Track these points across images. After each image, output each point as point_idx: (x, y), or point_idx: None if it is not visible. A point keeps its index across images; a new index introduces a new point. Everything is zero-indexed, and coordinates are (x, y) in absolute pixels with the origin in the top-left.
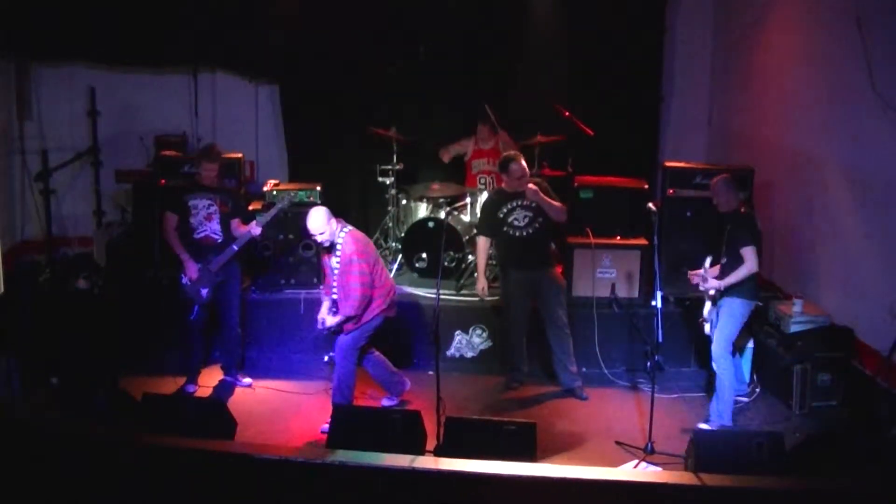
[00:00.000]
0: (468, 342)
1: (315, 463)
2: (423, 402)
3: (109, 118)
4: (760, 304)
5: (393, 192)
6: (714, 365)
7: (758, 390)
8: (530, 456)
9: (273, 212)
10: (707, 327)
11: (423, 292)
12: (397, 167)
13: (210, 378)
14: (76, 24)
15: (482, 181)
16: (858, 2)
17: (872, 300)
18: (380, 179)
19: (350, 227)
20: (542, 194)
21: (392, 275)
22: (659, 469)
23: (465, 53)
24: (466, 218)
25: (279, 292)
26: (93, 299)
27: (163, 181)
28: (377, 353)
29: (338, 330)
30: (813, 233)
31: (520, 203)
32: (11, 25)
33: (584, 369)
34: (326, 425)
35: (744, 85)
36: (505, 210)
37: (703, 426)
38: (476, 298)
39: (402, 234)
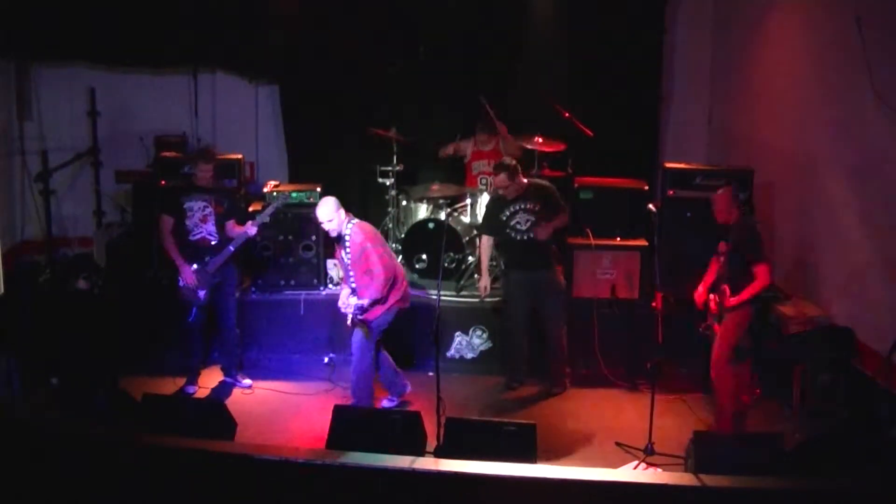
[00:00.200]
0: (468, 343)
1: (315, 464)
2: (423, 403)
3: (109, 118)
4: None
5: (393, 192)
6: (714, 371)
7: (758, 391)
8: (530, 457)
9: (268, 212)
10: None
11: (424, 293)
12: (397, 168)
13: (210, 379)
14: (76, 25)
15: (482, 181)
16: (858, 1)
17: (872, 301)
18: (380, 180)
19: (357, 220)
20: (550, 229)
21: None
22: (659, 470)
23: (465, 53)
24: (466, 219)
25: (279, 293)
26: (93, 299)
27: (163, 182)
28: (384, 352)
29: (355, 323)
30: (813, 233)
31: (522, 207)
32: (11, 26)
33: (583, 369)
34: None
35: (744, 85)
36: (508, 213)
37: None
38: (476, 299)
39: (403, 235)
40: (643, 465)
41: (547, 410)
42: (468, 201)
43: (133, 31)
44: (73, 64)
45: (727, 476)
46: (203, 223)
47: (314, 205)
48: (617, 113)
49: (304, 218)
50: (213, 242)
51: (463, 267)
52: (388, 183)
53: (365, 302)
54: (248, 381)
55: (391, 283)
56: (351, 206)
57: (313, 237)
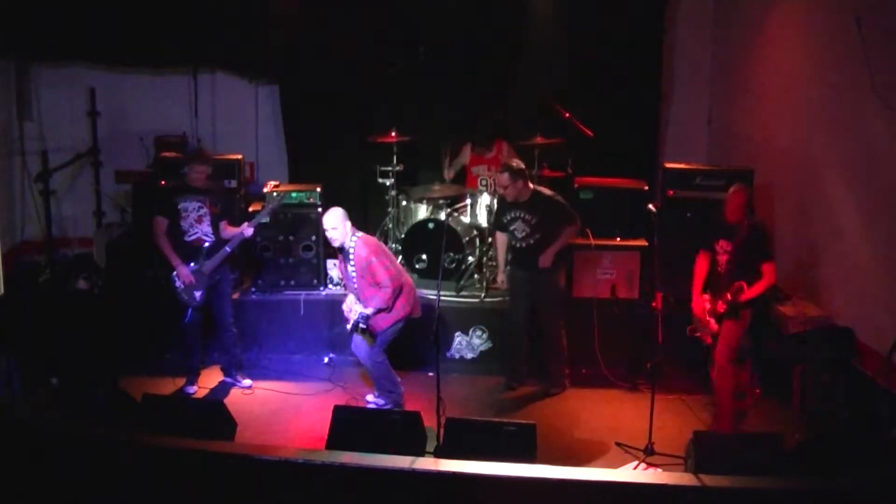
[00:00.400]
0: (468, 343)
1: (315, 464)
2: (423, 403)
3: (109, 119)
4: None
5: (393, 193)
6: (716, 373)
7: (758, 391)
8: (530, 457)
9: (265, 213)
10: (704, 340)
11: (424, 293)
12: (397, 168)
13: (210, 379)
14: (76, 25)
15: (483, 182)
16: (858, 1)
17: (872, 301)
18: (380, 180)
19: (361, 234)
20: (551, 255)
21: None
22: (659, 470)
23: (465, 53)
24: (466, 219)
25: (279, 293)
26: (93, 300)
27: (162, 182)
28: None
29: (361, 329)
30: (813, 233)
31: (520, 215)
32: (11, 26)
33: (583, 370)
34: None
35: (744, 85)
36: (508, 218)
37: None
38: (476, 300)
39: (402, 236)
40: (643, 465)
41: (547, 410)
42: (468, 202)
43: (133, 32)
44: (73, 64)
45: (727, 476)
46: (198, 224)
47: (314, 205)
48: (617, 113)
49: (304, 218)
50: (207, 243)
51: (463, 267)
52: (388, 183)
53: (370, 311)
54: (247, 382)
55: (397, 293)
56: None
57: (313, 237)
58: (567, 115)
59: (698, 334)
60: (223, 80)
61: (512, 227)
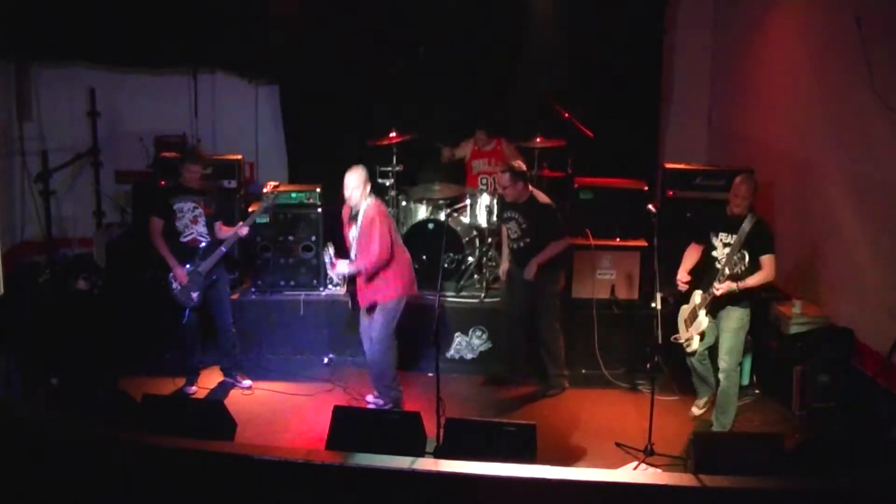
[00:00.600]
0: (468, 343)
1: (315, 464)
2: (423, 404)
3: (109, 119)
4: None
5: (393, 193)
6: (723, 377)
7: (757, 391)
8: (530, 457)
9: (258, 211)
10: (695, 342)
11: (423, 294)
12: (397, 168)
13: (210, 379)
14: (76, 25)
15: (483, 182)
16: (858, 2)
17: (872, 301)
18: (379, 181)
19: (376, 198)
20: (535, 267)
21: None
22: (659, 471)
23: (465, 53)
24: (466, 219)
25: (279, 294)
26: (92, 300)
27: (162, 182)
28: None
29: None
30: (812, 233)
31: (514, 217)
32: (12, 26)
33: (583, 370)
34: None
35: (744, 85)
36: (505, 216)
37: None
38: (476, 300)
39: (402, 236)
40: (643, 465)
41: (547, 411)
42: (468, 202)
43: (133, 32)
44: (73, 64)
45: (727, 477)
46: (193, 224)
47: (314, 205)
48: (617, 113)
49: (304, 218)
50: (203, 244)
51: (463, 267)
52: (387, 183)
53: (351, 269)
54: (247, 382)
55: (384, 263)
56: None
57: (313, 237)
58: (567, 115)
59: (682, 341)
60: (223, 81)
61: (507, 227)
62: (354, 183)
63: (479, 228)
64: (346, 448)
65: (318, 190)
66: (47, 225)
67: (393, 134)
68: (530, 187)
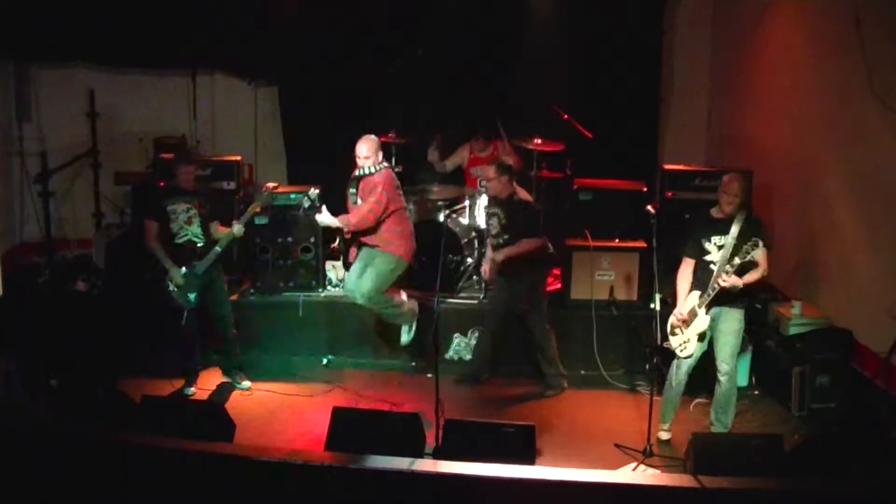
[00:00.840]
0: (466, 345)
1: (314, 465)
2: (422, 405)
3: (109, 120)
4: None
5: None
6: (725, 379)
7: (756, 392)
8: (529, 458)
9: (252, 210)
10: (692, 344)
11: (423, 294)
12: (396, 170)
13: (209, 380)
14: (76, 26)
15: (483, 183)
16: (857, 3)
17: (871, 302)
18: None
19: (388, 166)
20: (502, 255)
21: None
22: (658, 471)
23: (465, 53)
24: (465, 220)
25: (278, 295)
26: (92, 301)
27: (161, 183)
28: None
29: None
30: (812, 234)
31: (496, 212)
32: (11, 27)
33: (582, 371)
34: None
35: (743, 86)
36: (488, 212)
37: None
38: (475, 301)
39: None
40: (642, 466)
41: (545, 412)
42: (466, 203)
43: (132, 33)
44: (72, 65)
45: (726, 478)
46: (188, 225)
47: (313, 206)
48: (616, 113)
49: (302, 220)
50: (199, 244)
51: (462, 269)
52: None
53: (333, 221)
54: (246, 383)
55: (367, 227)
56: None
57: (312, 239)
58: (566, 116)
59: (675, 347)
60: (222, 82)
61: (489, 223)
62: (365, 153)
63: (477, 230)
64: (346, 449)
65: (317, 191)
66: (46, 226)
67: (392, 134)
68: (514, 185)
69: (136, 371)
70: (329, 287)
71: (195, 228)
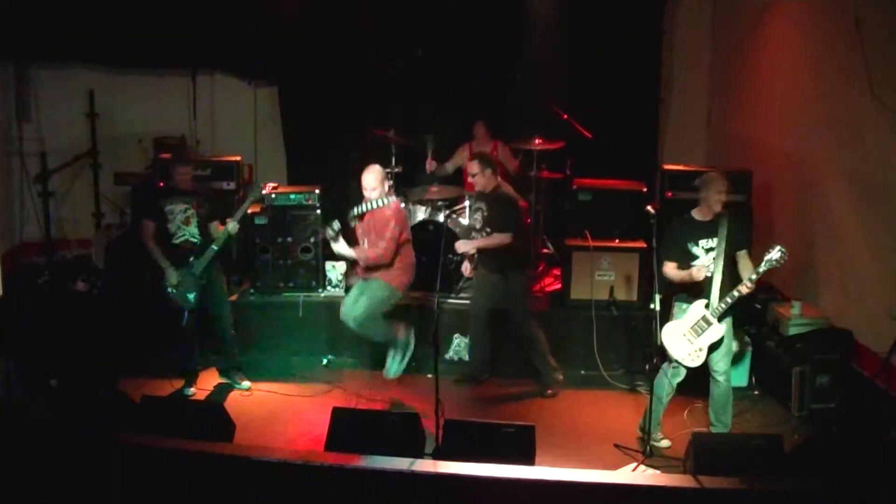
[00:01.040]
0: (466, 345)
1: (314, 465)
2: (421, 405)
3: (108, 120)
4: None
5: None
6: (723, 378)
7: (756, 392)
8: (529, 458)
9: (245, 206)
10: (703, 354)
11: (423, 295)
12: (396, 170)
13: (209, 381)
14: (76, 26)
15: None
16: (857, 3)
17: (871, 302)
18: None
19: (396, 198)
20: (473, 247)
21: None
22: (658, 472)
23: (465, 53)
24: (465, 221)
25: (278, 295)
26: (91, 301)
27: (161, 183)
28: None
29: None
30: (811, 234)
31: (480, 206)
32: (11, 27)
33: (582, 371)
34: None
35: (743, 87)
36: (474, 207)
37: None
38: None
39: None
40: (642, 466)
41: (545, 412)
42: (466, 203)
43: (132, 33)
44: (72, 65)
45: (726, 478)
46: (185, 225)
47: (313, 206)
48: (616, 114)
49: (302, 220)
50: (196, 244)
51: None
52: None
53: (351, 253)
54: (246, 383)
55: (383, 263)
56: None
57: (312, 239)
58: (566, 116)
59: (680, 357)
60: (222, 82)
61: (474, 217)
62: (372, 183)
63: (477, 230)
64: (345, 449)
65: (317, 191)
66: (46, 226)
67: (391, 134)
68: (499, 178)
69: (136, 371)
70: (329, 287)
71: (192, 228)
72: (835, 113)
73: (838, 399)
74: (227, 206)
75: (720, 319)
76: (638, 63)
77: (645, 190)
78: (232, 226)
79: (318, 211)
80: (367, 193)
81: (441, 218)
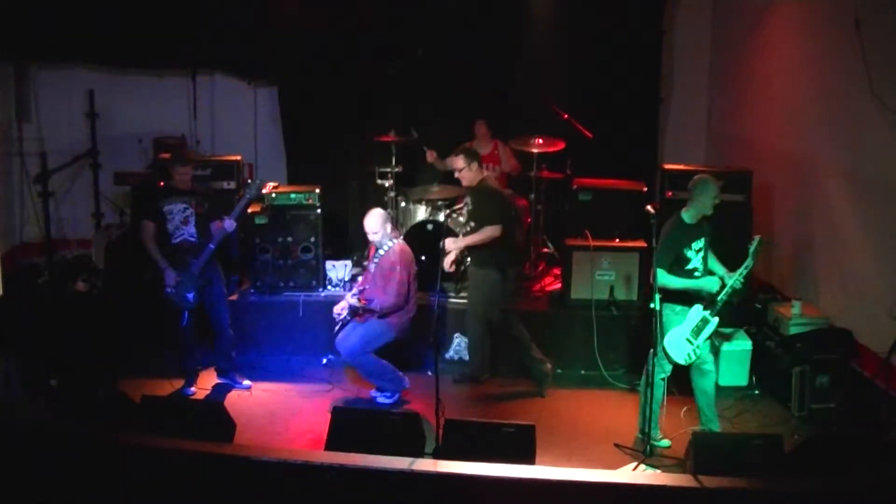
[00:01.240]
0: (467, 344)
1: (314, 465)
2: (422, 404)
3: (108, 120)
4: None
5: (392, 194)
6: (711, 371)
7: (756, 392)
8: (529, 458)
9: (241, 203)
10: (695, 353)
11: (423, 295)
12: (396, 169)
13: (209, 380)
14: (76, 26)
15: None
16: (857, 3)
17: (871, 302)
18: (379, 181)
19: (401, 240)
20: (458, 247)
21: None
22: (658, 471)
23: (465, 53)
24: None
25: (278, 295)
26: (91, 301)
27: (161, 183)
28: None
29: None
30: (811, 234)
31: (466, 201)
32: (11, 27)
33: (582, 371)
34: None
35: (742, 87)
36: (463, 203)
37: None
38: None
39: (401, 237)
40: (642, 466)
41: (546, 411)
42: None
43: (132, 33)
44: (72, 65)
45: (726, 477)
46: (184, 225)
47: (313, 206)
48: (616, 114)
49: (303, 219)
50: (195, 244)
51: (462, 268)
52: (386, 184)
53: (359, 302)
54: (246, 383)
55: (396, 308)
56: (350, 207)
57: (312, 239)
58: (566, 116)
59: (682, 355)
60: (222, 82)
61: (461, 212)
62: (373, 228)
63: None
64: (346, 449)
65: (317, 191)
66: (46, 226)
67: (392, 134)
68: (484, 173)
69: (136, 371)
70: (329, 287)
71: (191, 228)
72: (835, 113)
73: (838, 399)
74: (227, 206)
75: (714, 314)
76: (638, 63)
77: (645, 190)
78: (229, 223)
79: (319, 210)
80: (369, 236)
81: (441, 217)
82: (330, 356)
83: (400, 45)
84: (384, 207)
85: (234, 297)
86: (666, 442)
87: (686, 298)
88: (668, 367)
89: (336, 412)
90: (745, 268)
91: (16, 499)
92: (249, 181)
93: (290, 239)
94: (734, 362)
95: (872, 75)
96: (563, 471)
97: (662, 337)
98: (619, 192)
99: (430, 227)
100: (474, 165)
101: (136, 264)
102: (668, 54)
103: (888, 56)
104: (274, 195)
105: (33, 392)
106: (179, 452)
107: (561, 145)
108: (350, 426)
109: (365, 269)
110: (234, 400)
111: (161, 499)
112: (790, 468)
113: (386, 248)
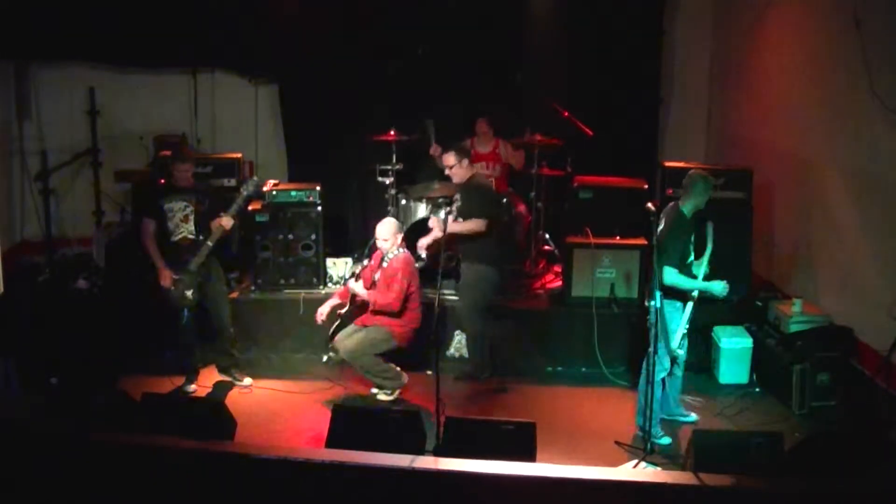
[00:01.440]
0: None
1: (315, 463)
2: (422, 402)
3: (109, 118)
4: None
5: (392, 192)
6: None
7: (757, 390)
8: (530, 455)
9: (239, 201)
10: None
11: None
12: (397, 167)
13: (209, 378)
14: (76, 24)
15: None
16: (857, 3)
17: (872, 300)
18: (379, 179)
19: (406, 251)
20: (440, 227)
21: None
22: (658, 469)
23: (465, 53)
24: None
25: (279, 292)
26: (92, 299)
27: (161, 181)
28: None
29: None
30: (812, 233)
31: (458, 198)
32: (11, 25)
33: (583, 369)
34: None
35: (742, 86)
36: (456, 199)
37: None
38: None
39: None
40: (643, 463)
41: (546, 409)
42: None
43: (133, 31)
44: (72, 63)
45: (726, 475)
46: (184, 223)
47: (313, 204)
48: (617, 113)
49: (303, 217)
50: (194, 242)
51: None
52: (387, 182)
53: (363, 295)
54: (247, 381)
55: (392, 312)
56: (350, 205)
57: (313, 236)
58: (566, 114)
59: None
60: (223, 80)
61: (454, 209)
62: (385, 235)
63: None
64: (346, 446)
65: (318, 189)
66: (47, 224)
67: (392, 133)
68: (475, 170)
69: (137, 369)
70: (330, 284)
71: (190, 226)
72: (835, 112)
73: (839, 397)
74: (227, 204)
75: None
76: (638, 63)
77: (646, 187)
78: (226, 220)
79: (319, 208)
80: (379, 243)
81: (442, 215)
82: (331, 354)
83: (400, 45)
84: (384, 205)
85: (234, 295)
86: (666, 439)
87: (685, 295)
88: (668, 365)
89: (337, 410)
90: (710, 253)
91: (16, 499)
92: (247, 179)
93: (290, 236)
94: (735, 360)
95: (872, 74)
96: (563, 468)
97: (665, 334)
98: (619, 190)
99: (429, 225)
100: (465, 162)
101: (136, 262)
102: (669, 54)
103: (888, 55)
104: (275, 193)
105: (33, 391)
106: (180, 451)
107: (561, 143)
108: (351, 424)
109: (364, 268)
110: (235, 398)
111: (161, 497)
112: (790, 466)
113: (392, 256)
